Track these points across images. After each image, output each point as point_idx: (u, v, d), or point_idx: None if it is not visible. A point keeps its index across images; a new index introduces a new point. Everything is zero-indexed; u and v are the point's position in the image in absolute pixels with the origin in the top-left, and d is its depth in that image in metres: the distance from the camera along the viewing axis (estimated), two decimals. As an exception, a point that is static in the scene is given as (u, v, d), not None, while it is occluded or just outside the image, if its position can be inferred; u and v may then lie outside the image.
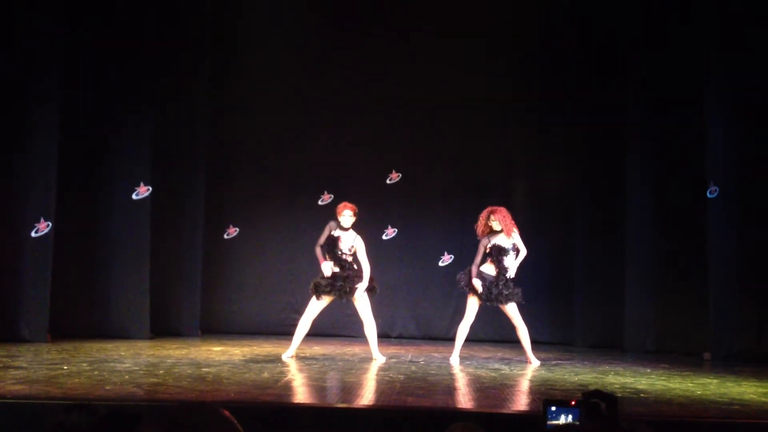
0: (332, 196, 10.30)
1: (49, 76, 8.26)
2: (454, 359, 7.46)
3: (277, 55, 10.53)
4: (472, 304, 7.46)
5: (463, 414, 4.63)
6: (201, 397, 4.83)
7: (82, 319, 8.73)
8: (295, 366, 6.84)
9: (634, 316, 9.35)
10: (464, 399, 5.49)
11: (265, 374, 6.02)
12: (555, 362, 7.83)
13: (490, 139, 10.59)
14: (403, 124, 10.56)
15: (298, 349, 7.47)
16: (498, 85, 10.48)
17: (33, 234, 8.13)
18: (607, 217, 9.87)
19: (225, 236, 10.55)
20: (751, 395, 5.76)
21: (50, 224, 8.18)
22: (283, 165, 10.61)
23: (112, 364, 6.36)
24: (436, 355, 8.22)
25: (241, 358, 7.27)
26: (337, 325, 9.68)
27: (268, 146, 10.61)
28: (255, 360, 7.11)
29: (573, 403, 2.43)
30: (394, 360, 7.54)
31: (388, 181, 10.65)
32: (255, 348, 8.25)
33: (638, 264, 9.40)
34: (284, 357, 7.28)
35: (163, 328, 9.34)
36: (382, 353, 7.54)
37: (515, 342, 8.06)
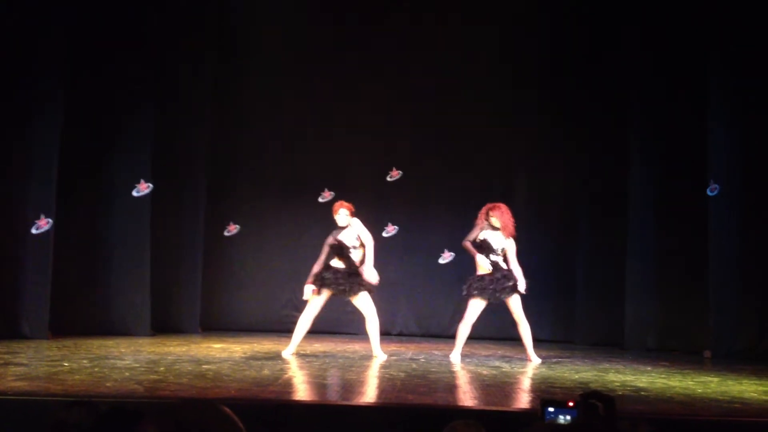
0: (333, 193, 10.29)
1: (51, 74, 8.26)
2: (455, 356, 7.46)
3: (278, 53, 10.51)
4: (475, 306, 7.43)
5: (464, 411, 4.64)
6: (202, 394, 4.83)
7: (83, 316, 8.73)
8: (295, 363, 6.85)
9: (635, 314, 9.35)
10: (465, 396, 5.49)
11: (266, 371, 6.03)
12: (556, 360, 7.83)
13: (491, 137, 10.58)
14: (404, 121, 10.56)
15: (299, 346, 7.47)
16: (500, 82, 10.46)
17: (33, 231, 8.13)
18: (608, 215, 9.86)
19: (225, 233, 10.55)
20: (751, 393, 5.76)
21: (51, 221, 8.18)
22: (284, 162, 10.61)
23: (112, 361, 6.36)
24: (436, 352, 8.22)
25: (242, 355, 7.28)
26: (338, 323, 9.68)
27: (269, 143, 10.61)
28: (255, 357, 7.12)
29: (571, 403, 2.43)
30: (394, 357, 7.55)
31: (388, 179, 10.64)
32: (255, 345, 8.25)
33: (639, 262, 9.39)
34: (285, 354, 7.28)
35: (164, 325, 9.35)
36: (382, 351, 7.54)
37: (516, 339, 8.06)
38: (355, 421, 4.46)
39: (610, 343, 9.55)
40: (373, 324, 7.43)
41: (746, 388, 6.04)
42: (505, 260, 7.52)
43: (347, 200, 7.63)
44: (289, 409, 4.64)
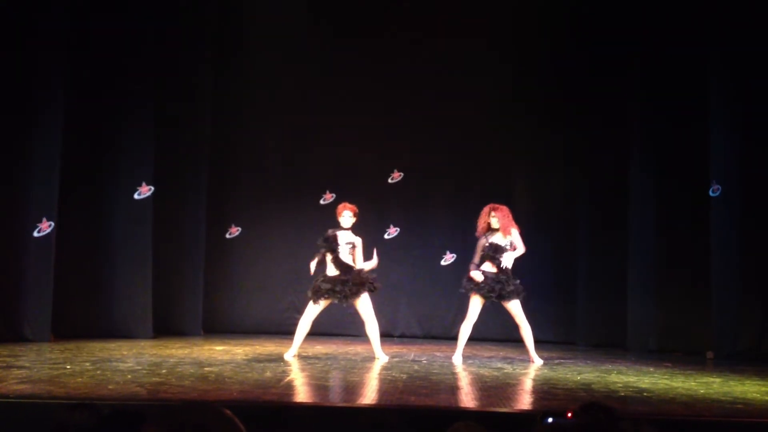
0: (334, 195, 10.30)
1: (53, 77, 8.28)
2: (457, 358, 7.45)
3: (279, 55, 10.52)
4: (475, 304, 7.45)
5: (466, 413, 4.63)
6: (203, 397, 4.83)
7: (85, 319, 8.74)
8: (297, 365, 6.84)
9: (637, 315, 9.34)
10: (467, 398, 5.48)
11: (268, 373, 6.02)
12: (558, 361, 7.82)
13: (492, 138, 10.59)
14: (405, 123, 10.56)
15: (300, 348, 7.47)
16: (500, 84, 10.48)
17: (35, 234, 8.14)
18: (610, 216, 9.86)
19: (227, 236, 10.56)
20: (754, 394, 5.75)
21: (53, 224, 8.19)
22: (285, 164, 10.61)
23: (114, 363, 6.36)
24: (438, 354, 8.21)
25: (244, 357, 7.27)
26: (340, 325, 9.67)
27: (270, 146, 10.62)
28: (257, 359, 7.11)
29: (569, 415, 2.42)
30: (396, 359, 7.54)
31: (390, 181, 10.65)
32: (257, 347, 8.25)
33: (641, 263, 9.39)
34: (286, 356, 7.28)
35: (166, 328, 9.35)
36: (384, 352, 7.54)
37: (518, 341, 8.05)
38: (356, 423, 4.45)
39: (612, 344, 9.54)
40: (372, 327, 7.43)
41: (749, 389, 6.03)
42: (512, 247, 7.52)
43: (349, 202, 7.63)
44: (290, 411, 4.64)
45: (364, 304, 7.37)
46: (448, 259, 10.52)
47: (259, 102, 10.53)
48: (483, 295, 7.38)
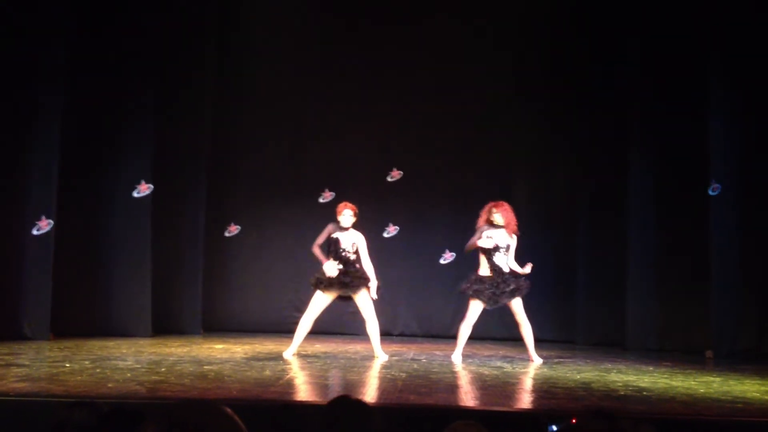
0: (333, 193, 10.30)
1: (52, 75, 8.27)
2: (457, 357, 7.45)
3: (278, 53, 10.52)
4: (475, 307, 7.42)
5: (466, 412, 4.63)
6: (203, 395, 4.83)
7: (84, 317, 8.74)
8: (297, 364, 6.84)
9: (637, 313, 9.34)
10: (466, 397, 5.48)
11: (267, 372, 6.03)
12: (557, 360, 7.82)
13: (492, 137, 10.58)
14: (405, 121, 10.55)
15: (300, 347, 7.47)
16: (500, 82, 10.48)
17: (34, 232, 8.14)
18: (609, 215, 9.85)
19: (226, 234, 10.55)
20: (753, 393, 5.76)
21: (51, 222, 8.19)
22: (284, 163, 10.60)
23: (114, 362, 6.36)
24: (438, 352, 8.21)
25: (243, 355, 7.27)
26: (339, 323, 9.67)
27: (269, 144, 10.61)
28: (257, 358, 7.11)
29: (573, 421, 2.42)
30: (396, 358, 7.54)
31: (389, 179, 10.63)
32: (257, 346, 8.25)
33: (640, 262, 9.38)
34: (286, 355, 7.27)
35: (165, 326, 9.34)
36: (384, 351, 7.54)
37: (518, 340, 8.05)
38: (356, 422, 4.44)
39: (611, 344, 9.54)
40: (372, 325, 7.43)
41: (748, 388, 6.03)
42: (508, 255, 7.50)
43: (348, 200, 7.62)
44: (290, 410, 4.64)
45: (364, 302, 7.36)
46: (447, 257, 10.52)
47: (258, 100, 10.52)
48: (484, 302, 7.36)
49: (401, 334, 10.35)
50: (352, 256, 7.38)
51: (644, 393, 5.65)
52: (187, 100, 9.71)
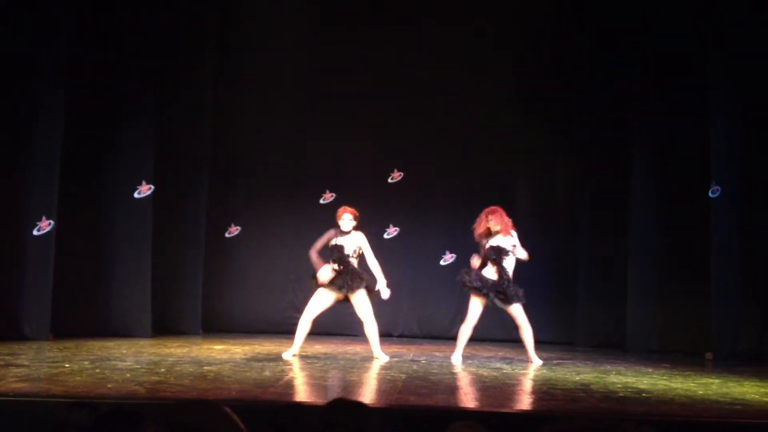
0: (334, 194, 10.31)
1: (53, 75, 8.27)
2: (456, 358, 7.45)
3: (278, 54, 10.53)
4: (475, 306, 7.43)
5: (465, 413, 4.63)
6: (202, 396, 4.83)
7: (84, 318, 8.74)
8: (296, 364, 6.84)
9: (636, 315, 9.35)
10: (466, 398, 5.48)
11: (267, 372, 6.02)
12: (557, 361, 7.82)
13: (492, 138, 10.60)
14: (405, 122, 10.56)
15: (300, 348, 7.46)
16: (501, 83, 10.50)
17: (35, 232, 8.14)
18: (609, 216, 9.86)
19: (226, 235, 10.55)
20: (753, 395, 5.75)
21: (52, 222, 8.19)
22: (285, 164, 10.61)
23: (113, 362, 6.36)
24: (437, 354, 8.22)
25: (243, 356, 7.27)
26: (339, 324, 9.67)
27: (270, 145, 10.62)
28: (256, 358, 7.11)
29: None
30: (395, 359, 7.54)
31: (390, 180, 10.64)
32: (256, 346, 8.25)
33: (640, 263, 9.39)
34: (285, 356, 7.27)
35: (165, 327, 9.35)
36: (383, 352, 7.54)
37: (517, 341, 8.05)
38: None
39: (611, 345, 9.54)
40: (370, 326, 7.42)
41: (748, 390, 6.03)
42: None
43: (349, 201, 7.62)
44: (290, 411, 4.63)
45: (362, 304, 7.35)
46: (447, 258, 10.52)
47: (259, 101, 10.53)
48: (483, 297, 7.37)
49: (401, 335, 10.36)
50: (355, 261, 7.38)
51: (643, 394, 5.65)
52: (187, 100, 9.72)
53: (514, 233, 7.52)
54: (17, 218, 8.16)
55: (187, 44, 9.72)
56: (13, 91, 8.20)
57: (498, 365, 7.35)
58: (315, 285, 7.34)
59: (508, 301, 7.36)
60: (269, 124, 10.58)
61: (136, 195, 9.00)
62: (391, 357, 7.58)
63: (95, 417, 2.48)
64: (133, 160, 9.05)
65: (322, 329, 8.46)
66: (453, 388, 5.89)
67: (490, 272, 7.43)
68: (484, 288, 7.34)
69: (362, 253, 7.41)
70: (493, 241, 7.46)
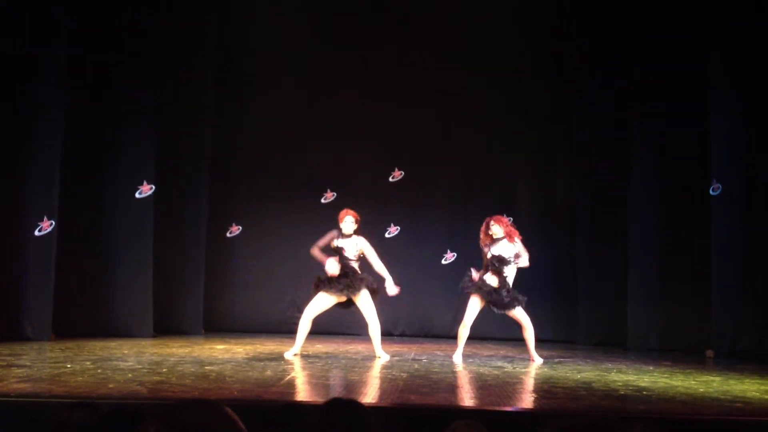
0: (335, 194, 10.31)
1: (53, 75, 8.27)
2: (457, 357, 7.46)
3: (279, 53, 10.53)
4: (473, 305, 7.44)
5: (466, 412, 4.63)
6: (204, 395, 4.83)
7: (86, 318, 8.75)
8: (298, 364, 6.85)
9: (637, 314, 9.35)
10: (467, 397, 5.49)
11: (269, 372, 6.03)
12: (558, 360, 7.83)
13: (493, 138, 10.60)
14: (406, 122, 10.56)
15: (301, 347, 7.47)
16: (501, 83, 10.49)
17: (36, 233, 8.15)
18: (610, 215, 9.86)
19: (228, 234, 10.56)
20: (753, 393, 5.76)
21: (53, 223, 8.19)
22: (286, 163, 10.61)
23: (115, 362, 6.37)
24: (438, 353, 8.22)
25: (244, 356, 7.28)
26: (341, 323, 9.68)
27: (271, 145, 10.62)
28: (258, 358, 7.12)
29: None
30: (397, 358, 7.55)
31: (390, 179, 10.65)
32: (258, 346, 8.26)
33: (641, 262, 9.39)
34: (287, 355, 7.28)
35: (166, 327, 9.35)
36: (385, 351, 7.54)
37: (518, 340, 8.06)
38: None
39: (612, 343, 9.55)
40: (374, 327, 7.42)
41: (748, 388, 6.03)
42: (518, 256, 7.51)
43: (349, 201, 7.63)
44: (291, 410, 4.64)
45: (365, 304, 7.35)
46: (448, 258, 10.53)
47: (259, 100, 10.53)
48: (483, 297, 7.37)
49: (402, 334, 10.36)
50: (356, 264, 7.38)
51: (644, 393, 5.66)
52: (188, 101, 9.72)
53: (518, 240, 7.51)
54: (18, 219, 8.16)
55: (187, 44, 9.72)
56: (13, 91, 8.20)
57: (499, 364, 7.35)
58: (317, 286, 7.33)
59: (506, 307, 7.37)
60: (269, 124, 10.58)
61: (137, 195, 9.01)
62: (393, 356, 7.58)
63: (97, 417, 2.49)
64: (134, 160, 9.06)
65: (323, 328, 8.47)
66: (454, 387, 5.89)
67: (491, 280, 7.43)
68: (481, 291, 7.34)
69: (363, 255, 7.40)
70: (495, 249, 7.45)
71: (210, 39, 10.00)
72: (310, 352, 7.75)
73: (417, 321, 10.52)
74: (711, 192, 8.72)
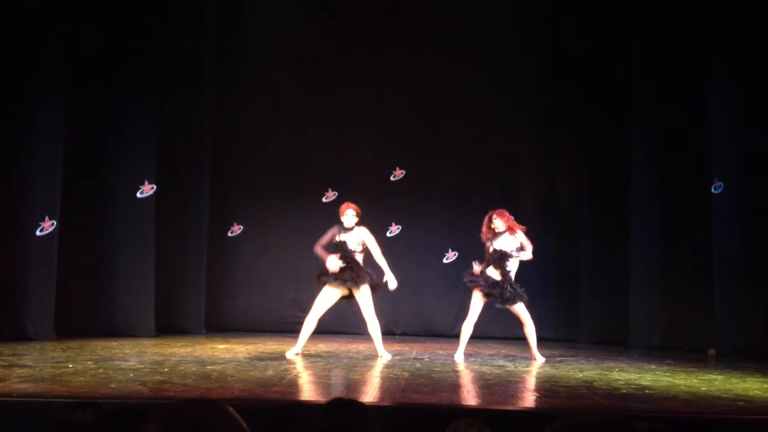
0: (336, 193, 10.31)
1: (54, 75, 8.28)
2: (459, 356, 7.46)
3: (279, 52, 10.53)
4: (476, 302, 7.45)
5: (468, 411, 4.63)
6: (206, 395, 4.84)
7: (87, 318, 8.76)
8: (300, 363, 6.85)
9: (639, 312, 9.34)
10: (469, 396, 5.49)
11: (270, 372, 6.03)
12: (560, 359, 7.83)
13: (495, 136, 10.59)
14: (407, 120, 10.55)
15: (303, 346, 7.47)
16: (502, 82, 10.49)
17: (38, 233, 8.16)
18: (611, 213, 9.85)
19: (229, 234, 10.56)
20: (756, 391, 5.75)
21: (55, 223, 8.20)
22: (287, 163, 10.61)
23: (117, 362, 6.37)
24: (440, 352, 8.22)
25: (246, 355, 7.28)
26: (342, 323, 9.67)
27: (272, 144, 10.62)
28: (260, 357, 7.12)
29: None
30: (398, 357, 7.55)
31: (392, 178, 10.64)
32: (260, 345, 8.26)
33: (643, 260, 9.38)
34: (289, 354, 7.28)
35: (168, 327, 9.35)
36: (386, 350, 7.54)
37: (520, 339, 8.06)
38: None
39: (614, 342, 9.54)
40: (373, 325, 7.42)
41: (750, 386, 6.03)
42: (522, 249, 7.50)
43: (351, 200, 7.63)
44: (293, 410, 4.64)
45: (365, 299, 7.35)
46: (450, 256, 10.52)
47: (259, 100, 10.53)
48: (484, 293, 7.38)
49: (404, 333, 10.36)
50: (360, 256, 7.39)
51: (647, 391, 5.66)
52: (189, 101, 9.72)
53: (520, 232, 7.51)
54: (20, 219, 8.18)
55: (187, 44, 9.73)
56: (13, 91, 8.21)
57: (501, 363, 7.35)
58: (322, 283, 7.34)
59: (507, 302, 7.37)
60: (271, 123, 10.58)
61: (138, 195, 9.01)
62: (394, 355, 7.58)
63: (99, 417, 2.49)
64: (135, 160, 9.06)
65: (325, 328, 8.46)
66: (456, 386, 5.89)
67: (493, 273, 7.43)
68: (486, 285, 7.35)
69: (366, 248, 7.42)
70: (497, 243, 7.46)
71: (210, 39, 10.00)
72: (312, 352, 7.76)
73: (419, 320, 10.52)
74: (713, 190, 8.71)
